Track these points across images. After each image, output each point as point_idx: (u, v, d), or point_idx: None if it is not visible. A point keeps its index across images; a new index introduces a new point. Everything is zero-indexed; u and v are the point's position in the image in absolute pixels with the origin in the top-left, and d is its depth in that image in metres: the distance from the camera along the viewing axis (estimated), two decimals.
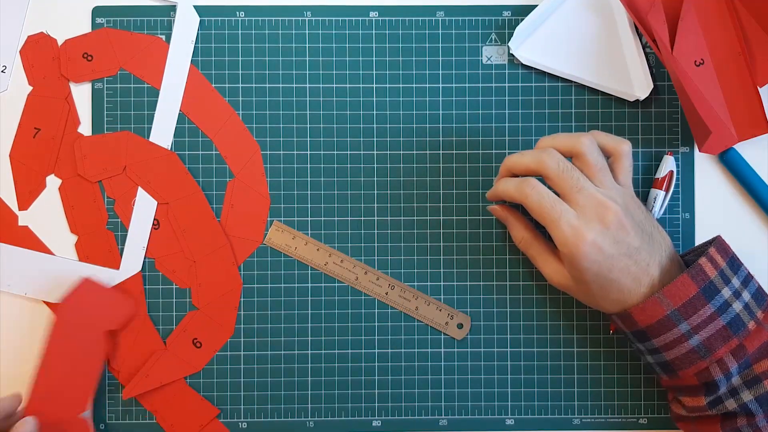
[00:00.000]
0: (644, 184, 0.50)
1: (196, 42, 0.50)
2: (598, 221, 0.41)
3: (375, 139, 0.50)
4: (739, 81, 0.48)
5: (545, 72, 0.50)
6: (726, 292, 0.42)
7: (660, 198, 0.48)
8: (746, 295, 0.43)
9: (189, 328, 0.50)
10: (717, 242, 0.44)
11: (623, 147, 0.44)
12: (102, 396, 0.50)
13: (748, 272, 0.43)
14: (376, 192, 0.50)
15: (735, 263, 0.43)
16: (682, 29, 0.47)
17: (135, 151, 0.50)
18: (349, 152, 0.50)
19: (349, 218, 0.50)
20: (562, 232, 0.42)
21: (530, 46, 0.49)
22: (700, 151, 0.48)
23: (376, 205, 0.50)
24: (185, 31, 0.50)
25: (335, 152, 0.50)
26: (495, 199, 0.47)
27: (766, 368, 0.41)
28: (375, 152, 0.50)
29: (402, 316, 0.50)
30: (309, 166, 0.50)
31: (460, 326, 0.50)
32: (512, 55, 0.49)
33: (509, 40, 0.49)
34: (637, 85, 0.49)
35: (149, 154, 0.50)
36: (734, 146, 0.49)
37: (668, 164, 0.49)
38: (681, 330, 0.41)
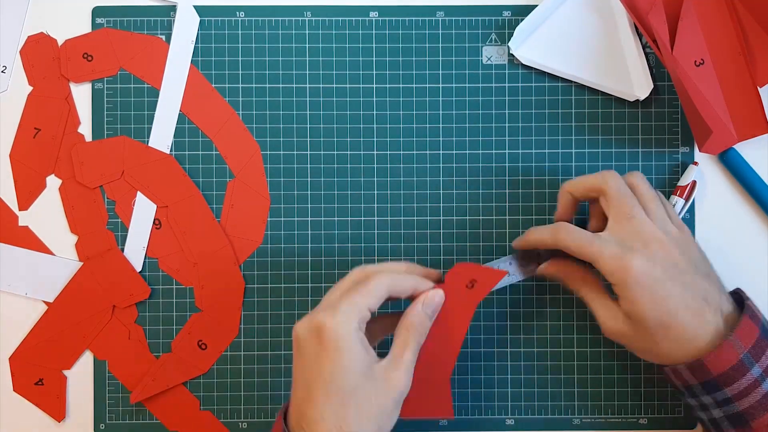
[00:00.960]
0: None
1: (196, 42, 0.50)
2: (642, 247, 0.41)
3: (375, 139, 0.50)
4: (739, 81, 0.48)
5: (545, 72, 0.50)
6: None
7: (679, 205, 0.48)
8: None
9: (193, 331, 0.50)
10: (741, 291, 0.43)
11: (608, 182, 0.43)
12: (103, 397, 0.50)
13: None
14: (376, 192, 0.50)
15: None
16: (682, 29, 0.47)
17: (132, 156, 0.50)
18: (349, 152, 0.50)
19: (349, 218, 0.50)
20: (606, 262, 0.41)
21: (530, 46, 0.49)
22: (700, 151, 0.48)
23: (376, 205, 0.50)
24: (185, 31, 0.50)
25: (335, 152, 0.50)
26: (526, 248, 0.45)
27: None
28: (375, 152, 0.50)
29: None
30: (309, 166, 0.50)
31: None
32: (512, 55, 0.49)
33: (509, 40, 0.49)
34: (637, 85, 0.49)
35: (147, 158, 0.50)
36: (734, 146, 0.49)
37: (692, 174, 0.48)
38: (754, 374, 0.39)
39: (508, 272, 0.45)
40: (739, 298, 0.43)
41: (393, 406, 0.39)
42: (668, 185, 0.50)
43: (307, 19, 0.50)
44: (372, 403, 0.38)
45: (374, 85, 0.50)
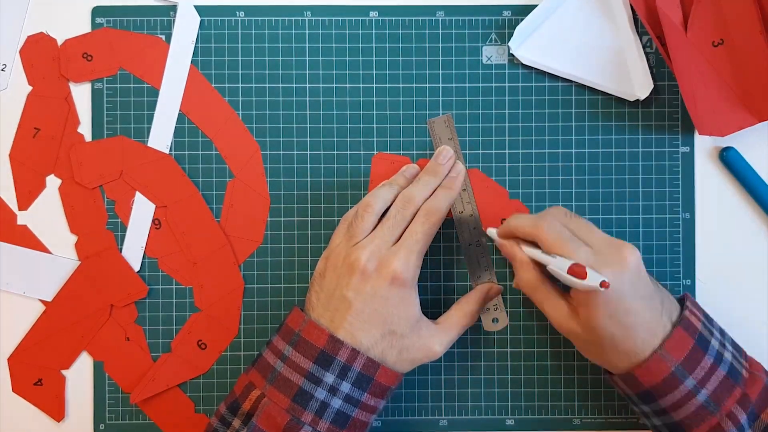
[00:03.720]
0: (644, 184, 0.50)
1: (196, 42, 0.50)
2: (616, 261, 0.39)
3: (375, 139, 0.50)
4: (758, 61, 0.47)
5: (545, 72, 0.50)
6: (714, 343, 0.41)
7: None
8: (728, 344, 0.42)
9: (193, 330, 0.50)
10: (688, 298, 0.43)
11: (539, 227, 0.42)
12: (102, 397, 0.50)
13: (719, 325, 0.43)
14: None
15: (708, 316, 0.43)
16: (698, 9, 0.47)
17: (131, 156, 0.50)
18: (349, 152, 0.50)
19: None
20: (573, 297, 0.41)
21: (530, 46, 0.49)
22: (708, 134, 0.47)
23: None
24: (185, 31, 0.50)
25: (335, 152, 0.50)
26: (505, 237, 0.45)
27: None
28: (375, 152, 0.50)
29: None
30: (309, 166, 0.50)
31: (495, 321, 0.50)
32: (512, 55, 0.49)
33: (509, 40, 0.49)
34: (637, 85, 0.49)
35: (145, 158, 0.50)
36: (734, 147, 0.49)
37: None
38: (687, 386, 0.40)
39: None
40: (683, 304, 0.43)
41: (421, 363, 0.44)
42: (668, 185, 0.50)
43: (307, 19, 0.50)
44: (410, 352, 0.43)
45: (374, 85, 0.50)
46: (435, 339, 0.44)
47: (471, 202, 0.49)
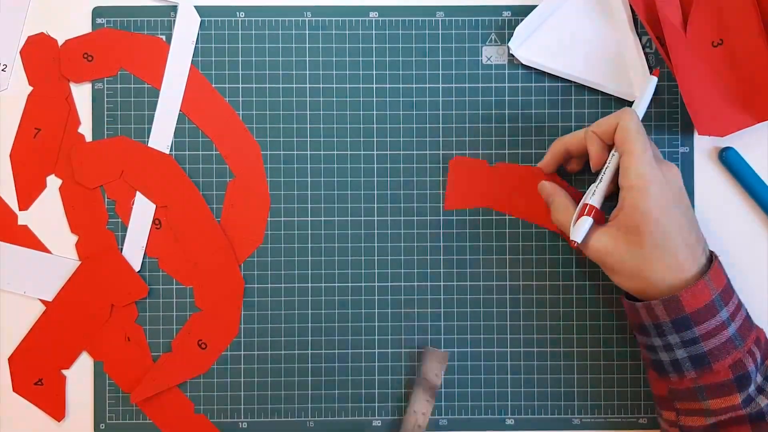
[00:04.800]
0: None
1: (197, 42, 0.50)
2: (674, 169, 0.43)
3: (375, 139, 0.50)
4: (758, 62, 0.47)
5: (545, 72, 0.50)
6: (735, 296, 0.43)
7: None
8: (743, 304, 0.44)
9: (193, 330, 0.50)
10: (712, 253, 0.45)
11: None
12: (102, 397, 0.50)
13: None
14: (376, 192, 0.50)
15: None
16: (698, 9, 0.47)
17: (131, 156, 0.50)
18: (349, 152, 0.50)
19: (349, 218, 0.50)
20: (642, 162, 0.41)
21: (530, 46, 0.49)
22: (708, 134, 0.48)
23: (376, 205, 0.50)
24: (186, 31, 0.50)
25: (335, 152, 0.50)
26: (556, 151, 0.47)
27: None
28: (375, 152, 0.50)
29: (402, 316, 0.50)
30: (309, 166, 0.50)
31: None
32: (512, 55, 0.49)
33: (509, 40, 0.49)
34: (637, 85, 0.49)
35: (146, 159, 0.50)
36: (733, 147, 0.49)
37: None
38: (722, 317, 0.41)
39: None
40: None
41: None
42: None
43: (307, 19, 0.50)
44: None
45: (374, 85, 0.50)
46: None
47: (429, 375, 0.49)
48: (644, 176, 0.41)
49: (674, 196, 0.42)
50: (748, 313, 0.44)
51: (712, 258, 0.44)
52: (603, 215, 0.45)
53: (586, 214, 0.44)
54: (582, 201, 0.45)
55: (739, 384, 0.41)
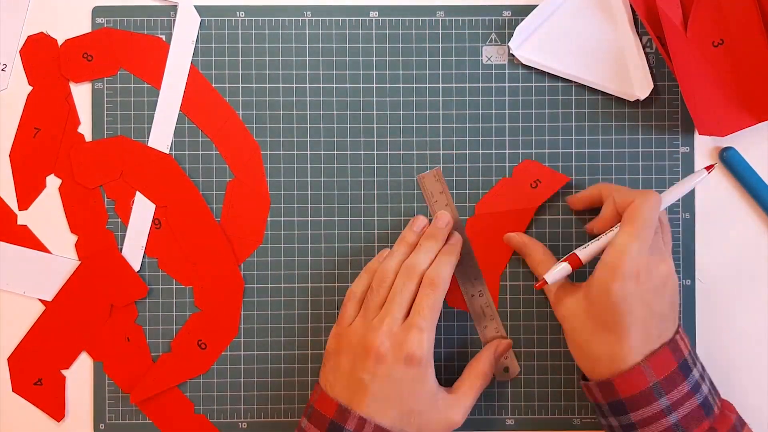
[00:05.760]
0: (644, 184, 0.50)
1: (196, 42, 0.50)
2: (651, 268, 0.41)
3: (375, 139, 0.50)
4: (758, 62, 0.47)
5: (545, 72, 0.50)
6: (695, 372, 0.42)
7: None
8: (707, 380, 0.43)
9: (193, 330, 0.50)
10: (680, 326, 0.44)
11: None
12: (102, 397, 0.50)
13: (701, 363, 0.44)
14: (376, 192, 0.50)
15: (694, 351, 0.44)
16: (699, 9, 0.47)
17: (131, 156, 0.50)
18: (349, 152, 0.50)
19: (349, 218, 0.50)
20: (630, 245, 0.41)
21: (530, 46, 0.49)
22: (708, 134, 0.48)
23: (376, 205, 0.50)
24: (186, 31, 0.50)
25: (335, 152, 0.50)
26: (578, 202, 0.48)
27: None
28: (375, 152, 0.50)
29: None
30: (309, 166, 0.50)
31: (506, 370, 0.50)
32: (512, 55, 0.49)
33: (509, 40, 0.49)
34: (637, 85, 0.49)
35: (145, 158, 0.50)
36: (734, 147, 0.49)
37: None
38: (661, 405, 0.40)
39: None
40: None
41: None
42: (668, 185, 0.50)
43: (307, 19, 0.50)
44: (430, 426, 0.43)
45: (374, 85, 0.50)
46: (453, 410, 0.44)
47: (470, 253, 0.49)
48: (623, 258, 0.41)
49: (648, 290, 0.41)
50: (707, 402, 0.41)
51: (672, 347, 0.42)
52: (580, 265, 0.45)
53: (567, 261, 0.44)
54: (573, 251, 0.45)
55: None
